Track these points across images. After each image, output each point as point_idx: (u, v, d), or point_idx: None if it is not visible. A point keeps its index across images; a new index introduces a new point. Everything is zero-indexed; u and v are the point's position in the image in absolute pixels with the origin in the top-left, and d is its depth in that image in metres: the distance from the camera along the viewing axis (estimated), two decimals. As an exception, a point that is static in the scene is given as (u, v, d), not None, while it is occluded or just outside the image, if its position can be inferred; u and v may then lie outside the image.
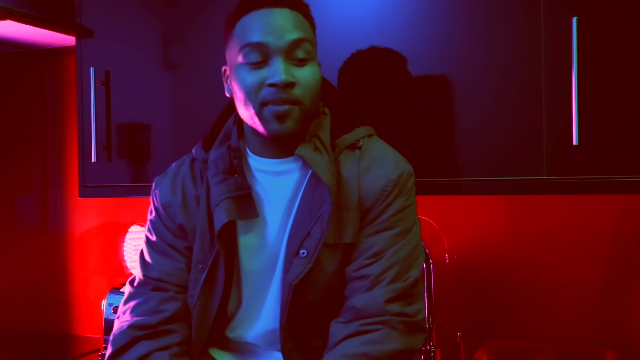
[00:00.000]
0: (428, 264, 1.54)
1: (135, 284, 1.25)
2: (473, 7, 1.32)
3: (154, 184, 1.29)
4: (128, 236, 1.95)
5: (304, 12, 1.16)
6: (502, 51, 1.30)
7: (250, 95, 1.12)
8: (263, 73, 1.11)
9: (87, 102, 1.68)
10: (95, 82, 1.65)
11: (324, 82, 1.27)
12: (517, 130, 1.29)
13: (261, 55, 1.11)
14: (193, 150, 1.27)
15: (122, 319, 1.21)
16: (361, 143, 1.19)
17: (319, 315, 1.17)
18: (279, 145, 1.17)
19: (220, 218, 1.14)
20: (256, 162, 1.21)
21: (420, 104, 1.37)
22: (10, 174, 2.28)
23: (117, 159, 1.68)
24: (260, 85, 1.11)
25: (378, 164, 1.17)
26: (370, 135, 1.23)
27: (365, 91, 1.40)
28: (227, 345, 1.28)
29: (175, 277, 1.22)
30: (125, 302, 1.23)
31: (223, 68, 1.22)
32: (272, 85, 1.09)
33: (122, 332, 1.18)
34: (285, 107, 1.10)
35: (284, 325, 1.15)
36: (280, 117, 1.11)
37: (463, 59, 1.33)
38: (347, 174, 1.16)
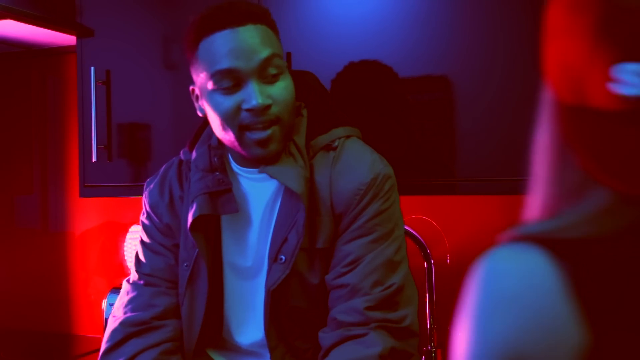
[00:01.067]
0: (429, 264, 1.54)
1: (130, 281, 1.27)
2: (473, 7, 1.31)
3: (144, 186, 1.30)
4: (129, 236, 1.95)
5: (266, 21, 1.12)
6: (502, 51, 1.29)
7: (228, 120, 1.10)
8: (238, 97, 1.08)
9: (87, 102, 1.67)
10: (95, 82, 1.65)
11: (304, 82, 1.24)
12: (517, 130, 1.29)
13: (233, 80, 1.08)
14: (181, 153, 1.28)
15: (117, 315, 1.23)
16: (336, 144, 1.16)
17: (304, 320, 1.17)
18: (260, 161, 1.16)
19: (194, 212, 1.14)
20: (237, 169, 1.21)
21: (419, 104, 1.37)
22: (10, 173, 2.28)
23: (117, 159, 1.67)
24: (237, 109, 1.09)
25: (351, 167, 1.13)
26: (348, 137, 1.19)
27: (362, 94, 1.40)
28: (223, 346, 1.28)
29: (167, 272, 1.24)
30: (121, 298, 1.26)
31: (191, 87, 1.19)
32: (249, 110, 1.08)
33: (115, 329, 1.20)
34: (267, 132, 1.09)
35: (268, 329, 1.15)
36: (263, 143, 1.10)
37: (463, 60, 1.32)
38: (320, 179, 1.14)
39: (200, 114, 1.19)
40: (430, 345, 1.55)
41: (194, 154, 1.22)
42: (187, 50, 1.14)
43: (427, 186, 1.36)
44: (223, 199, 1.16)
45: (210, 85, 1.10)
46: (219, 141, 1.21)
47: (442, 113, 1.35)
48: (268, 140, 1.10)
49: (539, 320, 0.58)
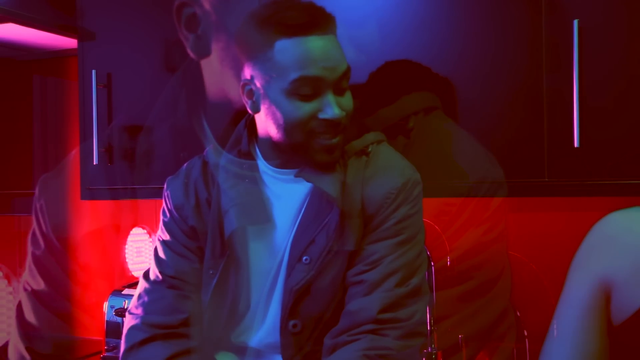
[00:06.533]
0: (430, 267, 1.54)
1: (150, 279, 1.23)
2: (475, 10, 1.32)
3: (165, 185, 1.27)
4: (130, 238, 1.96)
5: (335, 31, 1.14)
6: (504, 54, 1.30)
7: (300, 126, 1.10)
8: (314, 105, 1.09)
9: (88, 105, 1.68)
10: (97, 85, 1.65)
11: None
12: (518, 132, 1.29)
13: (314, 89, 1.09)
14: (205, 153, 1.26)
15: (136, 314, 1.20)
16: (370, 149, 1.19)
17: (320, 323, 1.17)
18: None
19: (231, 224, 1.14)
20: (266, 168, 1.20)
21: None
22: (12, 175, 2.28)
23: (118, 162, 1.68)
24: (312, 117, 1.09)
25: (383, 171, 1.16)
26: (379, 142, 1.21)
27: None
28: (232, 349, 1.27)
29: (191, 276, 1.22)
30: (139, 297, 1.22)
31: (243, 82, 1.15)
32: (325, 120, 1.09)
33: (137, 327, 1.17)
34: (336, 139, 1.11)
35: (284, 330, 1.15)
36: (331, 150, 1.12)
37: (465, 62, 1.33)
38: (351, 181, 1.15)
39: (251, 112, 1.17)
40: (431, 348, 1.55)
41: (222, 158, 1.21)
42: (255, 45, 1.11)
43: (427, 188, 1.36)
44: (254, 210, 1.17)
45: (287, 88, 1.09)
46: (249, 144, 1.21)
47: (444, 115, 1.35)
48: (335, 148, 1.12)
49: (628, 255, 0.83)
